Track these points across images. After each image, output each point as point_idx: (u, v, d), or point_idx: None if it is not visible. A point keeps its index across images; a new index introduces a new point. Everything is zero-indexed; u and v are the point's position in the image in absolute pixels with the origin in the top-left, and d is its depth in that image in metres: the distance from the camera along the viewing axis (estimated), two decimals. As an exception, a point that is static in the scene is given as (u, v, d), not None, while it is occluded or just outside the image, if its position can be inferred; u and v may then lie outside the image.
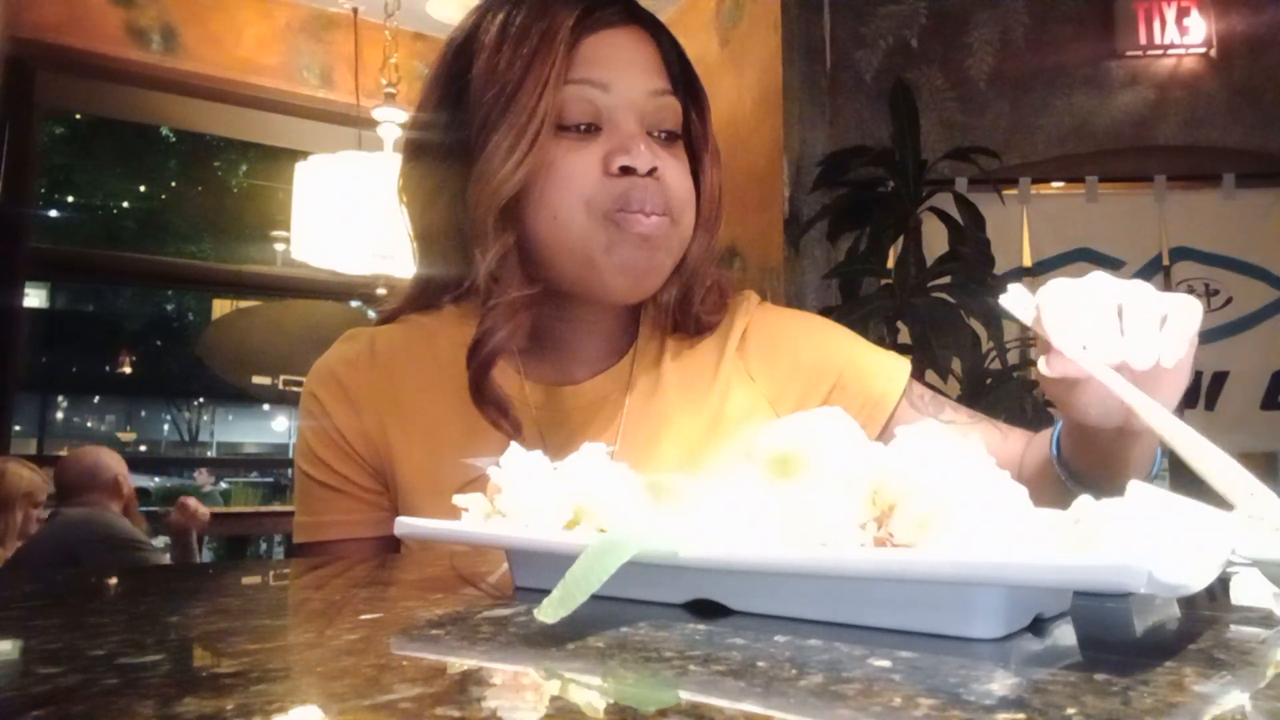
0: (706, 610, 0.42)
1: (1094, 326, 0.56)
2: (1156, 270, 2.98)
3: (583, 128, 0.77)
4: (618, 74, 0.78)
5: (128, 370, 11.41)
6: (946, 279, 2.48)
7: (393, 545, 0.83)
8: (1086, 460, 0.71)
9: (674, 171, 0.79)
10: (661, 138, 0.80)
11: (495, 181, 0.75)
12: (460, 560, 0.66)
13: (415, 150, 0.85)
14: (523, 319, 0.77)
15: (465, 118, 0.79)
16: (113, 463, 2.80)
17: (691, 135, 0.84)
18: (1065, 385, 0.61)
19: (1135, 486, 0.42)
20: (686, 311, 0.86)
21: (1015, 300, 0.59)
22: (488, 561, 0.63)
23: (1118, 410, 0.61)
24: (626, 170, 0.75)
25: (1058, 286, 0.57)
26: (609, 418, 0.84)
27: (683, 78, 0.84)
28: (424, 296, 0.88)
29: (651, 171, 0.76)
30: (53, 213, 9.46)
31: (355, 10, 3.45)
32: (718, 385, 0.86)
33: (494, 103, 0.76)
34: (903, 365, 0.89)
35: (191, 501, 3.21)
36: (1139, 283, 0.56)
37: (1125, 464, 0.68)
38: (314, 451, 0.83)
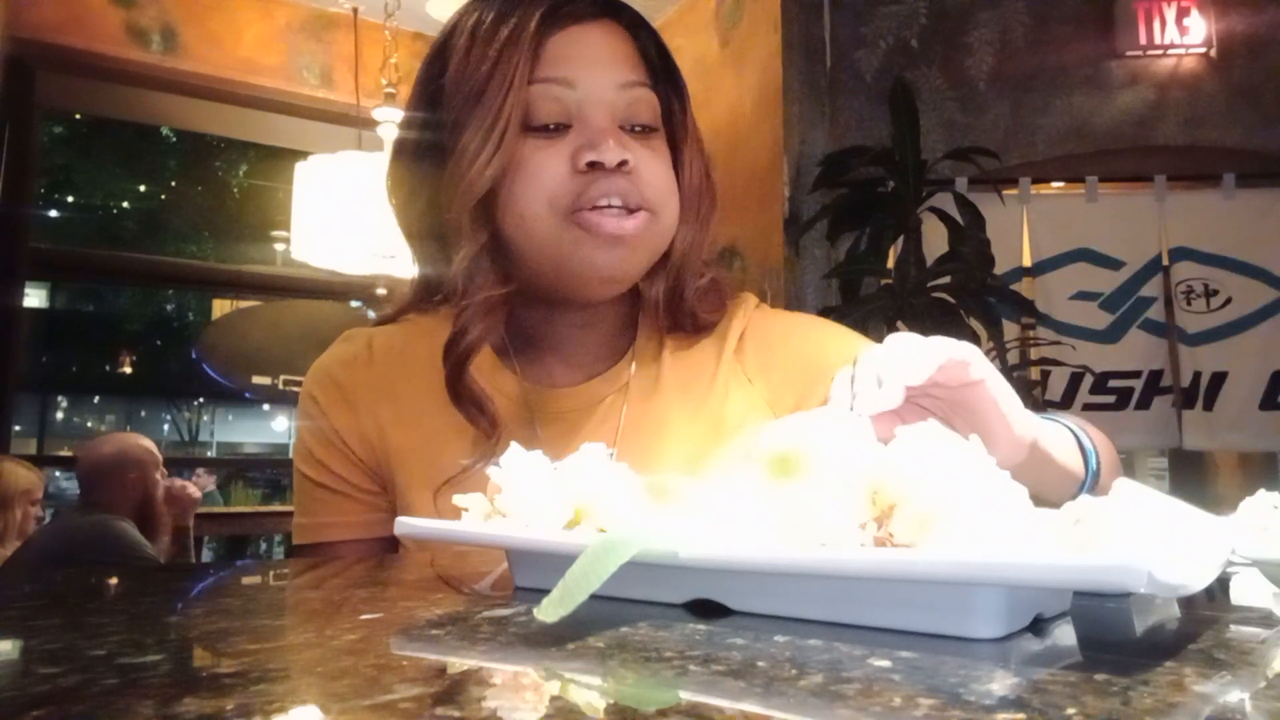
0: (706, 610, 0.42)
1: (845, 386, 0.58)
2: (1156, 270, 2.99)
3: (552, 127, 0.76)
4: (584, 70, 0.77)
5: (128, 370, 11.39)
6: (946, 279, 2.48)
7: (392, 547, 0.83)
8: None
9: (649, 165, 0.77)
10: (636, 131, 0.78)
11: (465, 182, 0.74)
12: (450, 560, 0.66)
13: (398, 151, 0.86)
14: (497, 318, 0.77)
15: (441, 119, 0.79)
16: (136, 455, 2.63)
17: (673, 127, 0.83)
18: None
19: (1124, 484, 0.42)
20: (679, 307, 0.85)
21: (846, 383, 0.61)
22: (484, 561, 0.63)
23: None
24: (594, 165, 0.74)
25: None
26: (607, 420, 0.84)
27: (662, 69, 0.82)
28: (419, 296, 0.88)
29: (621, 165, 0.74)
30: (53, 213, 9.45)
31: (355, 10, 3.45)
32: (716, 387, 0.86)
33: (463, 104, 0.76)
34: None
35: (177, 483, 2.89)
36: (901, 340, 0.58)
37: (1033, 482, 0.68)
38: (312, 453, 0.83)
